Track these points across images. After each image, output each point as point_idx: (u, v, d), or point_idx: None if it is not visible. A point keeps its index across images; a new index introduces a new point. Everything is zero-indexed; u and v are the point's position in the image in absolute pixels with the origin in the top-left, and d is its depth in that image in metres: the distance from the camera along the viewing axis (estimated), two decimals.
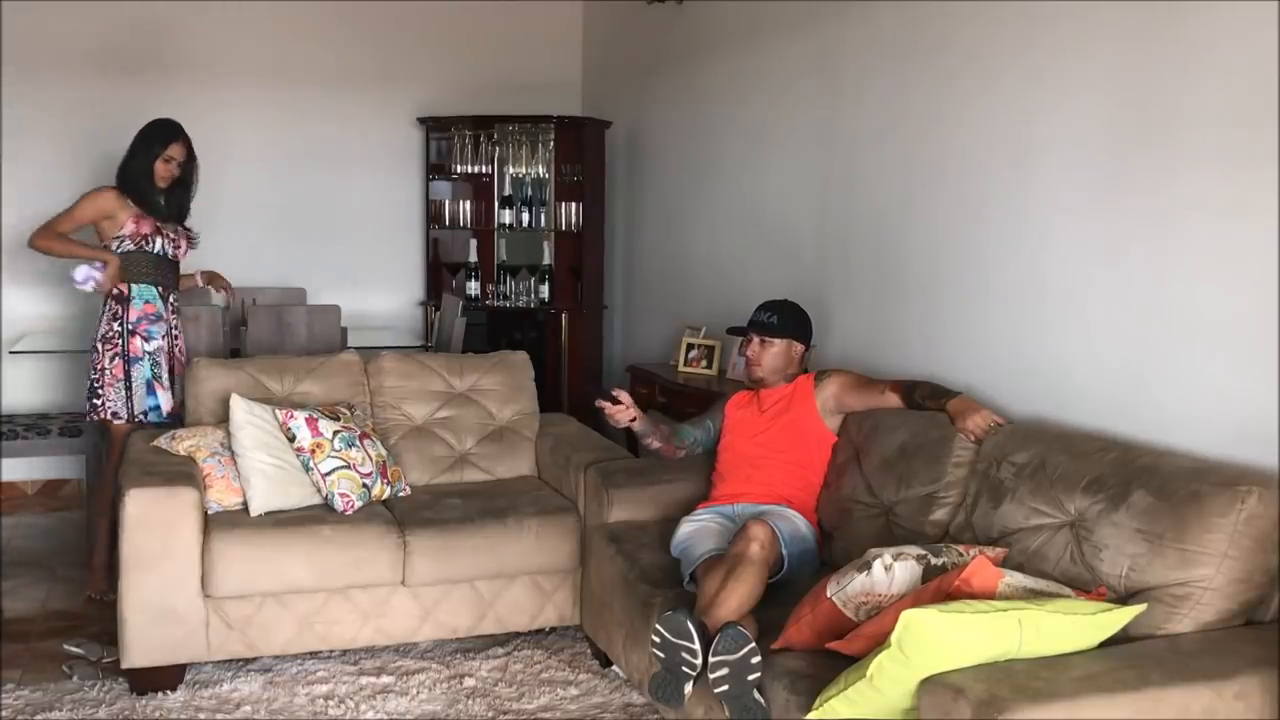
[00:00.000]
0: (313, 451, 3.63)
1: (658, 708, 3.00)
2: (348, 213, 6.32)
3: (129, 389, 4.17)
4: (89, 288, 4.15)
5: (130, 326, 4.18)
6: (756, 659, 2.54)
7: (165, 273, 4.29)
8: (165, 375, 4.24)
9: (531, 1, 6.52)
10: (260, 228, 6.09)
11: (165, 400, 4.22)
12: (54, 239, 4.14)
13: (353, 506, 3.63)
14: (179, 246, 4.32)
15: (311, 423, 3.67)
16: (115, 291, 4.18)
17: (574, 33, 6.72)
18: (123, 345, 4.17)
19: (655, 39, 5.74)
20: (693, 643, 2.65)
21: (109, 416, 4.17)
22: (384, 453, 3.87)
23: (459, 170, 6.20)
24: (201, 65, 5.96)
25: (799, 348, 3.52)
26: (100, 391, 4.17)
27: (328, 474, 3.62)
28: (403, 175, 6.38)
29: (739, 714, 2.55)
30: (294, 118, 6.18)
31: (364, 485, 3.68)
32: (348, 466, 3.66)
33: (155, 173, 4.19)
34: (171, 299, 4.32)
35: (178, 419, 4.16)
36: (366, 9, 6.22)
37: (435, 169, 6.31)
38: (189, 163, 4.29)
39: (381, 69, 6.30)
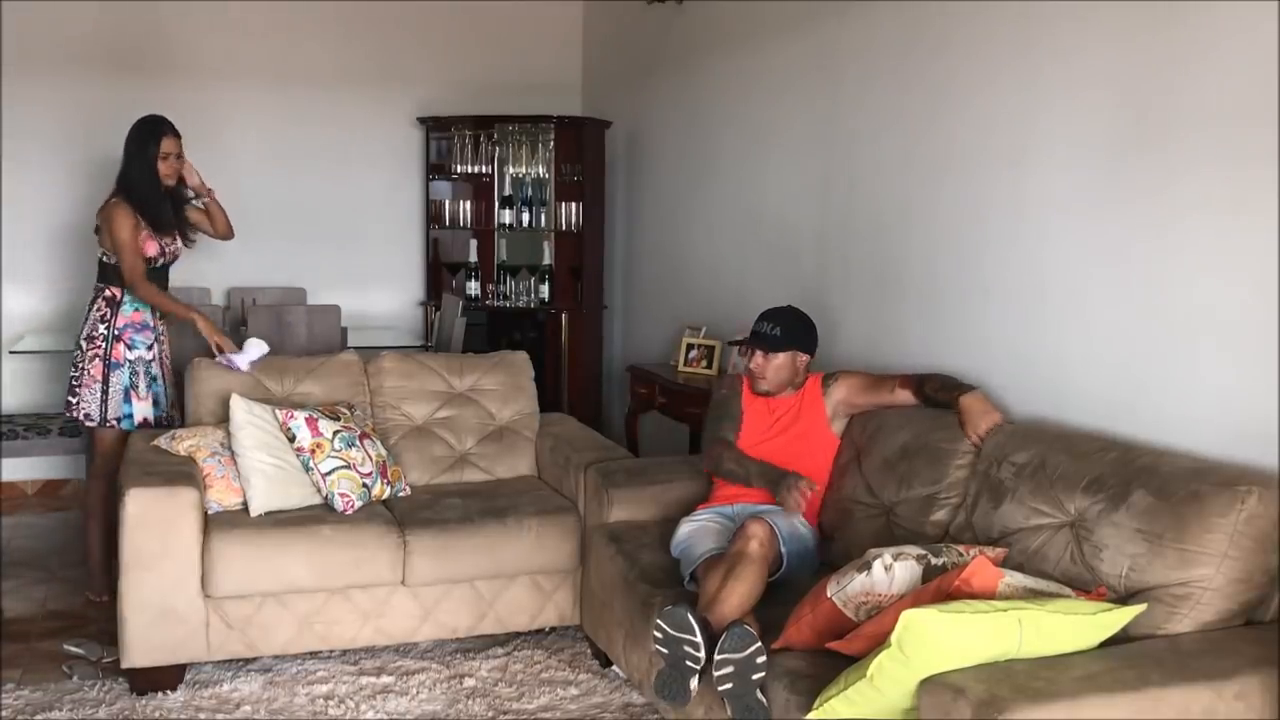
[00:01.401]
0: (313, 451, 3.63)
1: (660, 707, 3.00)
2: (348, 213, 6.32)
3: (105, 393, 4.10)
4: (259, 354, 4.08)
5: (116, 331, 4.12)
6: (762, 659, 2.54)
7: (159, 280, 4.21)
8: (144, 385, 4.16)
9: (531, 1, 6.52)
10: (260, 228, 6.07)
11: (140, 410, 4.14)
12: (152, 289, 4.09)
13: (353, 506, 3.63)
14: (178, 252, 4.27)
15: (311, 423, 3.67)
16: (107, 293, 4.13)
17: (574, 33, 6.72)
18: (106, 349, 4.11)
19: (655, 39, 5.74)
20: (694, 636, 2.64)
21: (82, 417, 4.12)
22: (384, 453, 3.87)
23: (459, 170, 6.20)
24: (201, 66, 5.96)
25: (804, 358, 3.43)
26: (77, 391, 4.11)
27: (328, 474, 3.62)
28: (403, 175, 6.38)
29: (741, 714, 2.55)
30: (294, 118, 6.18)
31: (364, 485, 3.68)
32: (348, 466, 3.66)
33: (159, 173, 4.11)
34: None
35: (160, 426, 4.12)
36: (366, 9, 6.22)
37: (435, 169, 6.31)
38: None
39: (381, 69, 6.31)
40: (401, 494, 3.90)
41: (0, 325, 5.62)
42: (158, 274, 4.19)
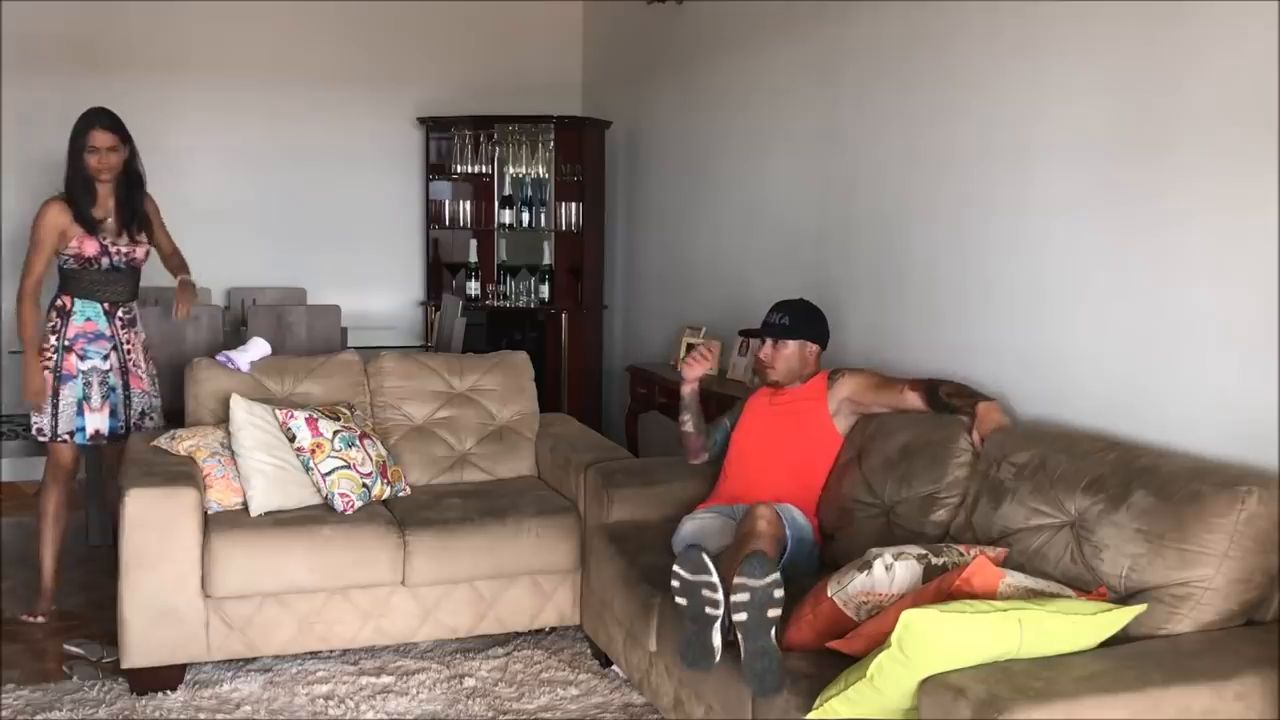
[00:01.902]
0: (312, 451, 3.63)
1: (691, 674, 2.87)
2: (348, 213, 6.33)
3: (55, 407, 3.94)
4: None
5: (67, 342, 3.94)
6: (779, 592, 2.48)
7: (115, 286, 4.02)
8: (98, 396, 3.98)
9: (531, 1, 6.52)
10: (260, 228, 6.10)
11: (94, 422, 3.98)
12: (29, 309, 3.88)
13: (352, 506, 3.62)
14: (134, 256, 4.04)
15: (311, 423, 3.67)
16: (58, 302, 3.97)
17: (574, 33, 6.73)
18: (57, 361, 3.93)
19: (655, 39, 5.74)
20: (711, 576, 2.59)
21: (34, 432, 3.98)
22: (384, 453, 3.87)
23: (459, 170, 6.21)
24: (201, 65, 5.97)
25: (813, 348, 3.47)
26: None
27: (328, 474, 3.62)
28: (403, 175, 6.39)
29: (753, 659, 2.47)
30: (294, 118, 6.19)
31: (364, 485, 3.68)
32: (348, 466, 3.66)
33: (90, 169, 3.89)
34: (121, 312, 4.05)
35: (116, 438, 4.02)
36: (366, 9, 6.22)
37: (435, 169, 6.32)
38: (132, 157, 3.98)
39: (381, 69, 6.31)
40: (402, 494, 3.90)
41: (0, 325, 5.62)
42: (112, 277, 4.00)
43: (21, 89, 5.66)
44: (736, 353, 4.71)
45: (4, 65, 5.60)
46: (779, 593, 2.49)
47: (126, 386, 4.08)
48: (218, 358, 3.99)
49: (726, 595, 2.59)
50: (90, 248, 3.93)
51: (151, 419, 4.16)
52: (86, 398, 3.98)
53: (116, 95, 5.63)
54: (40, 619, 3.95)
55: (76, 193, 3.92)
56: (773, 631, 2.48)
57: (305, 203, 6.23)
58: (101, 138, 3.91)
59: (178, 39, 5.93)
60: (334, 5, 6.17)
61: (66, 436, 3.97)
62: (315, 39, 6.18)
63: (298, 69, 6.16)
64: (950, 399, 3.12)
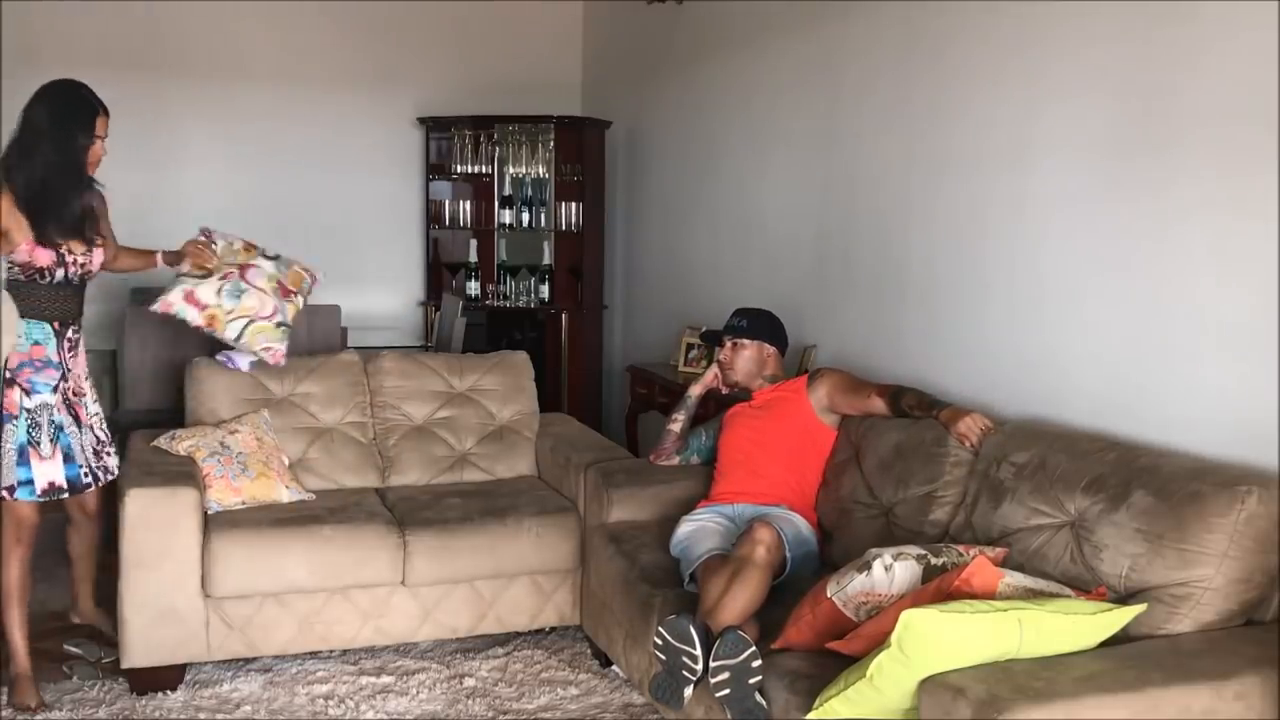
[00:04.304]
0: (210, 324, 3.43)
1: (657, 707, 3.00)
2: (348, 213, 6.33)
3: None
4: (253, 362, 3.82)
5: (10, 374, 3.19)
6: (757, 663, 2.55)
7: (66, 303, 3.32)
8: (47, 440, 3.24)
9: (531, 1, 6.53)
10: (260, 228, 6.03)
11: (46, 473, 3.23)
12: None
13: (280, 357, 3.43)
14: (89, 265, 3.34)
15: (190, 297, 3.43)
16: None
17: (574, 33, 6.73)
18: None
19: (655, 39, 5.74)
20: (694, 648, 2.66)
21: None
22: (273, 270, 3.62)
23: (459, 170, 6.21)
24: (201, 65, 5.97)
25: (770, 350, 3.60)
26: None
27: (238, 339, 3.48)
28: (403, 175, 6.39)
29: (740, 716, 2.55)
30: (294, 118, 6.19)
31: (278, 324, 3.51)
32: (251, 320, 3.47)
33: (92, 162, 3.28)
34: (70, 333, 3.36)
35: (77, 489, 3.35)
36: (366, 9, 6.22)
37: (435, 169, 6.32)
38: None
39: (381, 69, 6.31)
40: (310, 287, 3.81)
41: (0, 326, 5.61)
42: (64, 292, 3.32)
43: (20, 90, 5.64)
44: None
45: (3, 66, 5.59)
46: (757, 663, 2.56)
47: (76, 421, 3.36)
48: (218, 358, 3.99)
49: (708, 651, 2.63)
50: (44, 256, 3.23)
51: (110, 454, 3.51)
52: (34, 442, 3.22)
53: (115, 96, 5.63)
54: (32, 706, 3.24)
55: (55, 185, 3.21)
56: (757, 693, 2.55)
57: (305, 203, 6.22)
58: (105, 125, 3.32)
59: (177, 40, 5.92)
60: (334, 5, 6.17)
61: (5, 493, 3.22)
62: (315, 39, 6.19)
63: (298, 70, 6.16)
64: (911, 410, 3.20)
